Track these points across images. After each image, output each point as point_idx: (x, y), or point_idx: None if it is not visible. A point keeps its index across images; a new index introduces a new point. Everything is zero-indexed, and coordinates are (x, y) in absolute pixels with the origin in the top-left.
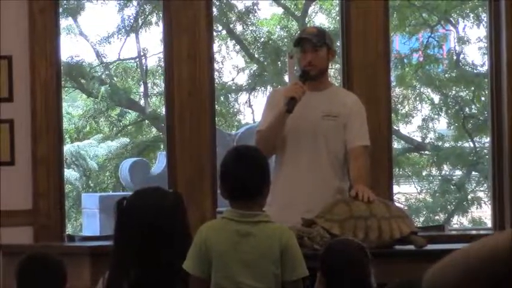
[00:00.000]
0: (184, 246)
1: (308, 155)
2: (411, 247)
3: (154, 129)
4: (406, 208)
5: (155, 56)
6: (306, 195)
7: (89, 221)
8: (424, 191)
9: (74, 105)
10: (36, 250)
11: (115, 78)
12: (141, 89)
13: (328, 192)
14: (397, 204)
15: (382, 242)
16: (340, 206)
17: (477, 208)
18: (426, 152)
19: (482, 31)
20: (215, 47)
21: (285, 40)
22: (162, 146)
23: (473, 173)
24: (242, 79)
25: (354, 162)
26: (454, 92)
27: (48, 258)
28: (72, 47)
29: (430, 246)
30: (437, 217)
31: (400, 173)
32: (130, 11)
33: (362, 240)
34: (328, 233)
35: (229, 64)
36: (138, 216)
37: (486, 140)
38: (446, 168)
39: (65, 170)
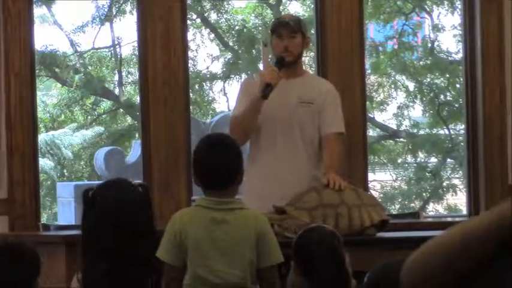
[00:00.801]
0: (149, 238)
1: (283, 142)
2: (388, 234)
3: (129, 118)
4: (381, 196)
5: (130, 45)
6: (281, 185)
7: (64, 210)
8: (399, 178)
9: (48, 94)
10: (8, 239)
11: (89, 67)
12: (116, 77)
13: (303, 181)
14: (372, 191)
15: (353, 230)
16: (310, 194)
17: (452, 195)
18: (401, 140)
19: (456, 18)
20: (189, 36)
21: (260, 28)
22: (136, 135)
23: (448, 160)
24: (217, 67)
25: (327, 149)
26: (428, 79)
27: (21, 246)
28: (46, 36)
29: (405, 234)
30: (412, 204)
31: (376, 160)
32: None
33: (332, 228)
34: (298, 221)
35: (204, 52)
36: (103, 207)
37: (461, 127)
38: (421, 155)
39: (40, 159)
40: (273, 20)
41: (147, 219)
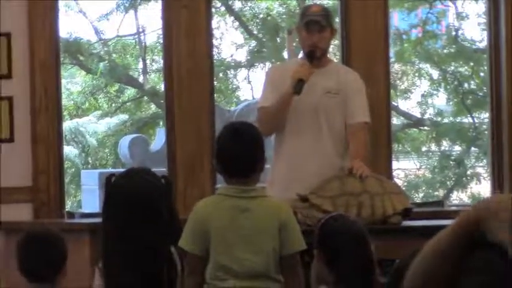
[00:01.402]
0: (169, 230)
1: (310, 132)
2: (412, 223)
3: (153, 106)
4: (405, 184)
5: (154, 33)
6: (306, 175)
7: (88, 197)
8: (423, 166)
9: (72, 82)
10: (36, 227)
11: (114, 55)
12: (140, 65)
13: (329, 171)
14: (396, 180)
15: (375, 218)
16: (333, 182)
17: (476, 184)
18: (425, 128)
19: (481, 6)
20: (214, 23)
21: (284, 16)
22: (161, 123)
23: (472, 148)
24: (241, 55)
25: (353, 139)
26: (453, 67)
27: (48, 234)
28: (71, 24)
29: (429, 222)
30: (436, 193)
31: (400, 148)
32: None
33: (355, 216)
34: (320, 209)
35: (228, 40)
36: (122, 194)
37: (485, 115)
38: (445, 144)
39: (64, 146)
40: (298, 8)
41: (165, 211)
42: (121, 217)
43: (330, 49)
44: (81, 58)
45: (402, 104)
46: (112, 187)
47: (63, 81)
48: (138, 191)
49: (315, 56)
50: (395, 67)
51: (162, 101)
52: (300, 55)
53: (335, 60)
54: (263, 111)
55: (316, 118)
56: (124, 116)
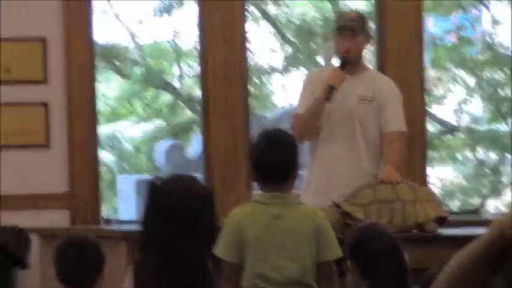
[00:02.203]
0: (208, 239)
1: (344, 140)
2: (447, 231)
3: (189, 111)
4: (441, 191)
5: (189, 38)
6: (340, 182)
7: (124, 203)
8: (458, 174)
9: (108, 87)
10: (73, 233)
11: (149, 60)
12: (176, 70)
13: (363, 179)
14: (431, 187)
15: (407, 226)
16: (365, 190)
17: None
18: (460, 135)
19: None
20: (249, 29)
21: (319, 22)
22: (197, 128)
23: (508, 156)
24: (276, 61)
25: (386, 146)
26: (488, 74)
27: (86, 240)
28: (106, 29)
29: (465, 230)
30: (472, 201)
31: (435, 155)
32: None
33: (386, 224)
34: (351, 217)
35: (263, 46)
36: (164, 200)
37: None
38: (480, 151)
39: (100, 152)
40: (334, 14)
41: (205, 223)
42: (162, 222)
43: (365, 55)
44: (117, 63)
45: (437, 111)
46: (156, 192)
47: (99, 86)
48: (180, 199)
49: (348, 62)
50: (430, 73)
51: (198, 107)
52: (337, 61)
53: (371, 68)
54: (296, 117)
55: (351, 125)
56: (160, 122)
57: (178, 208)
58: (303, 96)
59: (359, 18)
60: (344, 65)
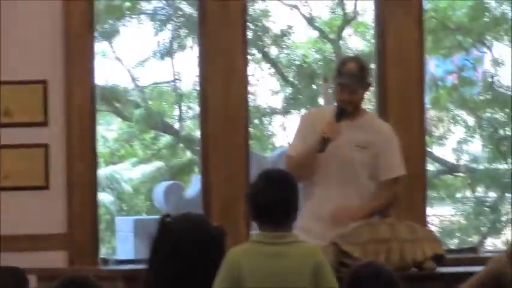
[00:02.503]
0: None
1: (336, 186)
2: (446, 269)
3: (188, 153)
4: (440, 230)
5: (190, 80)
6: (333, 226)
7: (122, 244)
8: (458, 213)
9: (108, 129)
10: (72, 273)
11: (150, 102)
12: (176, 112)
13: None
14: (430, 226)
15: (404, 264)
16: (363, 228)
17: (511, 230)
18: (460, 174)
19: None
20: (250, 70)
21: (320, 63)
22: (196, 169)
23: (507, 195)
24: (277, 102)
25: (381, 192)
26: (488, 114)
27: (85, 280)
28: (107, 71)
29: (464, 269)
30: (471, 239)
31: (434, 195)
32: (166, 34)
33: (383, 262)
34: (348, 255)
35: (264, 87)
36: (175, 238)
37: None
38: (480, 190)
39: (99, 193)
40: (334, 55)
41: (214, 262)
42: (170, 260)
43: (366, 95)
44: (117, 105)
45: (437, 150)
46: (165, 229)
47: (99, 128)
48: (192, 239)
49: (345, 114)
50: (431, 113)
51: (197, 148)
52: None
53: (369, 111)
54: (289, 160)
55: (343, 172)
56: (159, 163)
57: (186, 246)
58: (297, 137)
59: (359, 71)
60: (341, 116)
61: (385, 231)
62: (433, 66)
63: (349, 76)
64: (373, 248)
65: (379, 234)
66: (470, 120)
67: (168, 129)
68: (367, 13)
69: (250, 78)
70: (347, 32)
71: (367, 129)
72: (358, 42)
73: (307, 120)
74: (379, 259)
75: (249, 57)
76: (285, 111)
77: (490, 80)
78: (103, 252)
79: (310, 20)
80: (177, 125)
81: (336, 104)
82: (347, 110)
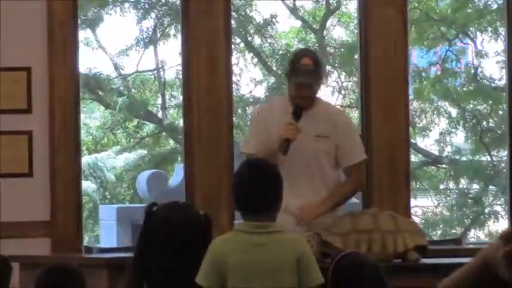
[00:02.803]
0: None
1: (302, 177)
2: (429, 261)
3: (171, 141)
4: (423, 222)
5: (173, 68)
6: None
7: (106, 232)
8: (441, 204)
9: (91, 117)
10: (55, 261)
11: (133, 90)
12: (159, 100)
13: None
14: (413, 217)
15: (386, 255)
16: (345, 218)
17: (494, 222)
18: (443, 166)
19: (500, 45)
20: (233, 60)
21: None
22: (179, 158)
23: (490, 186)
24: (260, 91)
25: (347, 181)
26: (471, 105)
27: (68, 268)
28: (90, 59)
29: (446, 260)
30: (454, 231)
31: (418, 186)
32: (149, 23)
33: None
34: (332, 246)
35: (247, 76)
36: (162, 225)
37: (503, 153)
38: (463, 181)
39: (83, 181)
40: (317, 45)
41: (201, 249)
42: (155, 247)
43: (349, 86)
44: (100, 93)
45: (420, 142)
46: (151, 217)
47: (82, 116)
48: (179, 225)
49: (302, 112)
50: (414, 105)
51: (180, 137)
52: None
53: (321, 99)
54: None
55: (307, 163)
56: (142, 152)
57: (172, 233)
58: (252, 134)
59: (316, 66)
60: (299, 115)
61: (367, 221)
62: (417, 57)
63: (307, 73)
64: (355, 238)
65: (360, 225)
66: (454, 112)
67: (151, 117)
68: (351, 3)
69: (233, 68)
70: (330, 22)
71: (324, 118)
72: (341, 32)
73: (259, 117)
74: (361, 249)
75: (232, 46)
76: (268, 101)
77: (473, 71)
78: (86, 240)
79: (294, 10)
80: (160, 114)
81: (291, 100)
82: (305, 107)
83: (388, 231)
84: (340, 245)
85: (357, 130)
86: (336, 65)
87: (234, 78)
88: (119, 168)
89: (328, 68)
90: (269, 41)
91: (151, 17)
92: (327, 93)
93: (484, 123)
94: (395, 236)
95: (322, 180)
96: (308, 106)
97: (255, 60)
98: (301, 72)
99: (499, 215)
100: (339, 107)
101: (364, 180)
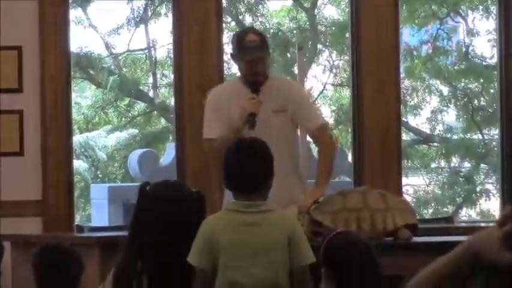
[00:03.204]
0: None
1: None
2: (421, 239)
3: (163, 120)
4: (414, 200)
5: (164, 47)
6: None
7: (97, 211)
8: (432, 183)
9: (82, 96)
10: (51, 241)
11: (124, 69)
12: (150, 80)
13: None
14: (405, 196)
15: (376, 233)
16: (335, 197)
17: (486, 200)
18: (435, 144)
19: (491, 23)
20: (224, 38)
21: (294, 32)
22: (170, 137)
23: (481, 165)
24: None
25: (320, 150)
26: (463, 84)
27: (64, 248)
28: (81, 38)
29: (438, 238)
30: (445, 209)
31: (409, 164)
32: (140, 2)
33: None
34: (322, 225)
35: None
36: (155, 203)
37: (495, 132)
38: (455, 160)
39: (74, 160)
40: (308, 23)
41: (195, 227)
42: (149, 226)
43: (340, 65)
44: (92, 72)
45: (412, 120)
46: (144, 196)
47: (73, 95)
48: (171, 202)
49: (258, 86)
50: (405, 83)
51: (172, 116)
52: (239, 74)
53: (271, 74)
54: (211, 144)
55: (269, 139)
56: (134, 131)
57: (166, 212)
58: (210, 118)
59: (261, 40)
60: (257, 88)
61: (357, 200)
62: (408, 35)
63: (256, 48)
64: (344, 216)
65: (350, 203)
66: (445, 90)
67: (142, 96)
68: None
69: (224, 47)
70: (322, 0)
71: (279, 92)
72: (332, 11)
73: (216, 99)
74: (350, 228)
75: (223, 25)
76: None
77: (464, 50)
78: (78, 219)
79: None
80: (151, 93)
81: (243, 79)
82: (260, 81)
83: (378, 209)
84: (330, 224)
85: (311, 97)
86: (327, 43)
87: (225, 57)
88: (110, 147)
89: (319, 46)
90: (260, 19)
91: None
92: (318, 72)
93: (476, 101)
94: (385, 214)
95: (285, 153)
96: (263, 81)
97: None
98: (250, 48)
99: (490, 194)
100: (288, 78)
101: (334, 140)
